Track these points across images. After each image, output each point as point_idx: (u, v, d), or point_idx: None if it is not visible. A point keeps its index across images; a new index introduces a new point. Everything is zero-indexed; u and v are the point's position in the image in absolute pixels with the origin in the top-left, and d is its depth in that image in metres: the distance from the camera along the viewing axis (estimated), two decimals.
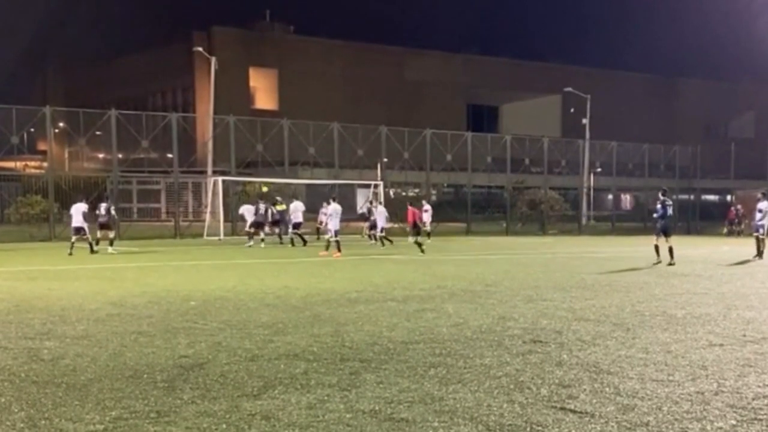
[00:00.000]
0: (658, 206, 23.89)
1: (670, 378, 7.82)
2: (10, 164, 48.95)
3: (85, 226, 27.71)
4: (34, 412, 6.52)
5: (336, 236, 27.22)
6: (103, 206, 28.66)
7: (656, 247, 23.38)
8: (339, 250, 26.67)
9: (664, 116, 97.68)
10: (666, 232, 23.50)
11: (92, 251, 27.06)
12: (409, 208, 37.47)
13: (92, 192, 36.73)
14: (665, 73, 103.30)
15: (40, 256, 25.67)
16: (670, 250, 23.03)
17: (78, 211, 27.90)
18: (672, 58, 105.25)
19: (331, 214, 27.72)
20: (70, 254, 26.07)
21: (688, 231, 54.04)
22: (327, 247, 27.23)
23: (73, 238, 27.57)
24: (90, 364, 8.40)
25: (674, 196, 59.39)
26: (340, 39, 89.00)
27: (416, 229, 33.57)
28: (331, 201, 28.72)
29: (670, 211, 23.83)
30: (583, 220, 59.24)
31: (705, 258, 26.84)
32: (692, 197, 63.27)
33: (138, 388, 7.31)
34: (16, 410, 6.59)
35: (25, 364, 8.36)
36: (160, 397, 6.99)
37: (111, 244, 28.40)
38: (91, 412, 6.53)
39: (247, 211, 35.42)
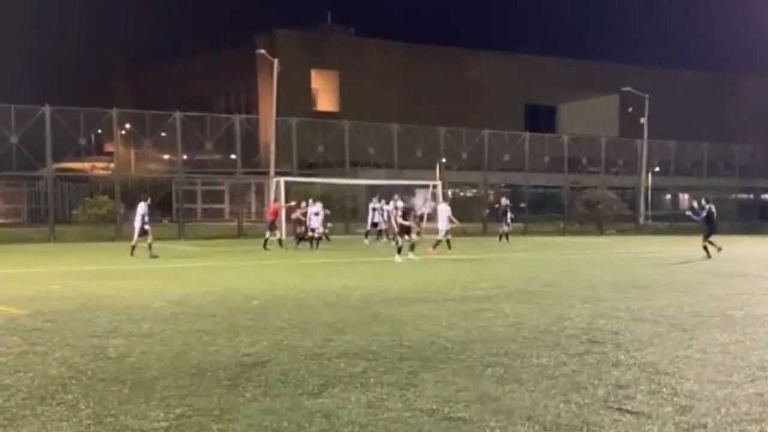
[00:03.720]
0: (703, 213, 26.67)
1: (729, 379, 7.77)
2: (78, 165, 50.03)
3: (137, 226, 25.87)
4: (100, 409, 6.69)
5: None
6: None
7: (705, 247, 25.92)
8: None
9: (724, 114, 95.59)
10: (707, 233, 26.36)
11: (132, 253, 25.43)
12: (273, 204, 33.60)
13: (158, 193, 37.20)
14: (725, 71, 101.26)
15: (106, 256, 26.06)
16: (705, 248, 25.79)
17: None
18: (732, 56, 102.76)
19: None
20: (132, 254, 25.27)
21: (748, 231, 52.74)
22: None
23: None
24: (155, 362, 8.59)
25: (733, 195, 58.85)
26: (398, 40, 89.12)
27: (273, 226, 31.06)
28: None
29: (705, 214, 26.48)
30: (641, 220, 58.49)
31: (765, 258, 26.44)
32: (752, 196, 62.24)
33: (201, 386, 7.47)
34: (83, 407, 6.77)
35: (92, 362, 8.57)
36: (223, 395, 7.14)
37: (412, 249, 24.73)
38: (156, 409, 6.69)
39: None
